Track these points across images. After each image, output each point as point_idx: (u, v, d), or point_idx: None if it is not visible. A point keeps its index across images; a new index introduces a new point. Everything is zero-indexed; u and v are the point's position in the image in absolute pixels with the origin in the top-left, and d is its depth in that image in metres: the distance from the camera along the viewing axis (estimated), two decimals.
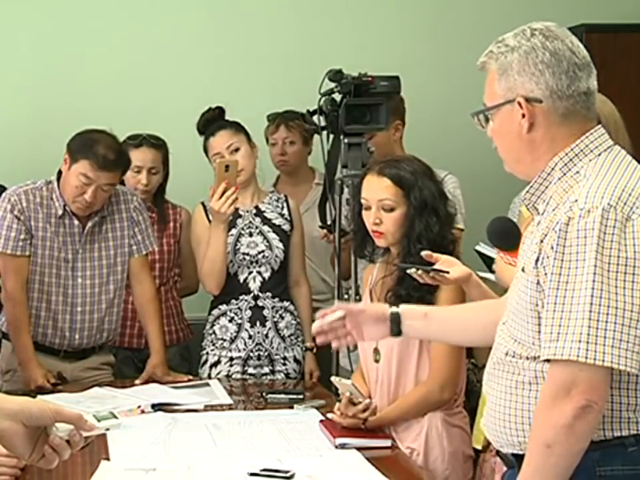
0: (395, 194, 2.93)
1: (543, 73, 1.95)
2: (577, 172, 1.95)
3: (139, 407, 3.16)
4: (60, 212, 3.54)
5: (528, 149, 2.00)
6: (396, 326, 2.38)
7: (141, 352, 3.97)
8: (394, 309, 2.39)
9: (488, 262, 3.02)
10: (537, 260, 1.92)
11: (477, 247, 3.08)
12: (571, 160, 1.97)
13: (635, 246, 1.83)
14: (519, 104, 1.97)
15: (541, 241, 1.91)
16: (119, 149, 3.51)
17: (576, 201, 1.88)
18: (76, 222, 3.56)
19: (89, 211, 3.54)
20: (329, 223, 3.66)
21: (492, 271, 2.93)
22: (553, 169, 1.98)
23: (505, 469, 2.13)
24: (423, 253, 2.64)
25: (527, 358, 1.96)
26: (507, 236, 2.62)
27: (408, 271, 2.62)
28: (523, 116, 1.97)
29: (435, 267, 2.60)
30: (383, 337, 2.46)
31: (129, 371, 3.96)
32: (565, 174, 1.97)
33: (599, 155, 1.97)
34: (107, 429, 1.80)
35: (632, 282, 1.82)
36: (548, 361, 1.87)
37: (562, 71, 1.95)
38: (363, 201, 2.98)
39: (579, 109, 1.97)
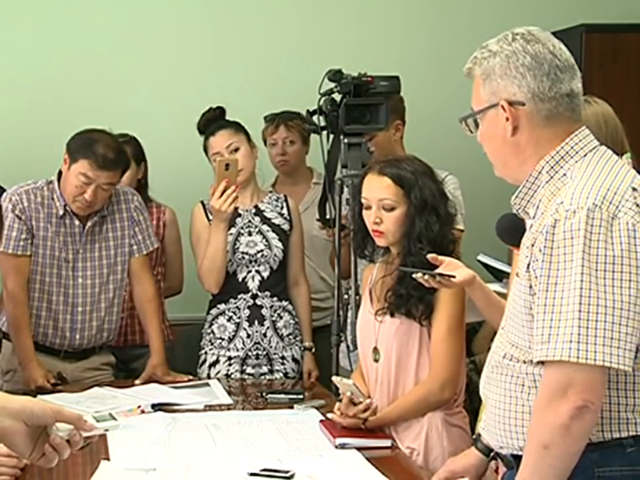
0: (395, 193, 2.93)
1: (524, 75, 1.97)
2: (564, 174, 1.97)
3: (139, 406, 3.16)
4: (61, 212, 3.54)
5: (513, 152, 2.02)
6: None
7: (120, 350, 3.97)
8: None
9: (492, 271, 3.03)
10: (529, 264, 1.93)
11: (479, 258, 3.08)
12: (557, 162, 1.98)
13: (622, 244, 1.83)
14: (502, 107, 1.99)
15: (532, 245, 1.93)
16: (118, 148, 3.51)
17: (562, 202, 1.89)
18: (77, 222, 3.56)
19: (90, 211, 3.54)
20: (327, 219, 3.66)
21: (497, 279, 2.93)
22: (540, 172, 1.99)
23: (505, 469, 2.13)
24: (429, 256, 2.64)
25: (524, 362, 1.96)
26: (514, 231, 2.61)
27: (414, 275, 2.62)
28: (507, 119, 1.99)
29: (440, 270, 2.60)
30: None
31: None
32: (552, 177, 1.98)
33: (585, 155, 1.98)
34: (106, 430, 1.81)
35: (620, 280, 1.82)
36: (542, 362, 1.88)
37: (543, 74, 1.96)
38: (363, 201, 2.98)
39: (562, 110, 1.98)
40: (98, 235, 3.61)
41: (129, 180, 4.04)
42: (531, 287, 1.92)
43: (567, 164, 1.98)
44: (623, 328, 1.81)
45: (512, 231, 2.58)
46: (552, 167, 1.98)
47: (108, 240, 3.63)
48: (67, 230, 3.57)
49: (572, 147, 1.98)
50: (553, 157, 1.98)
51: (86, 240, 3.59)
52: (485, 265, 3.06)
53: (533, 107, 1.97)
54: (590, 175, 1.93)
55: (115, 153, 3.46)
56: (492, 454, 2.36)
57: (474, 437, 2.50)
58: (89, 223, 3.58)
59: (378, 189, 2.95)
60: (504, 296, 2.67)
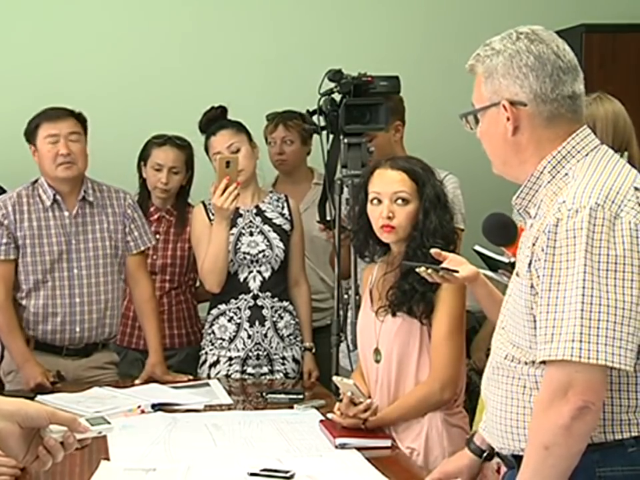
0: (410, 187, 2.94)
1: (527, 76, 1.96)
2: (566, 174, 1.96)
3: (139, 406, 3.16)
4: (48, 203, 3.58)
5: (514, 151, 2.01)
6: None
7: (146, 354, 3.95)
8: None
9: (488, 261, 3.02)
10: (530, 263, 1.92)
11: (476, 247, 3.08)
12: (559, 162, 1.98)
13: (624, 243, 1.83)
14: (504, 107, 1.98)
15: (533, 244, 1.92)
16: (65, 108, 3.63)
17: (564, 202, 1.89)
18: (66, 213, 3.60)
19: (75, 169, 3.57)
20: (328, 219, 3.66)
21: (493, 270, 2.93)
22: (541, 172, 1.99)
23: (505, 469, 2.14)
24: (432, 251, 2.64)
25: (526, 363, 1.96)
26: (502, 230, 2.61)
27: (417, 269, 2.61)
28: (508, 119, 1.99)
29: (444, 265, 2.60)
30: None
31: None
32: (554, 177, 1.98)
33: (586, 155, 1.98)
34: (100, 433, 1.81)
35: (622, 279, 1.82)
36: (544, 362, 1.88)
37: (546, 75, 1.96)
38: (373, 195, 2.97)
39: (564, 112, 1.98)
40: (89, 226, 3.63)
41: (178, 184, 4.05)
42: (532, 286, 1.92)
43: (569, 163, 1.97)
44: (625, 328, 1.81)
45: (500, 230, 2.58)
46: (554, 167, 1.98)
47: (102, 231, 3.65)
48: (57, 222, 3.60)
49: (573, 147, 1.98)
50: (554, 157, 1.98)
51: (76, 230, 3.61)
52: (481, 255, 3.07)
53: (534, 107, 1.97)
54: (592, 174, 1.93)
55: (61, 108, 3.60)
56: (485, 455, 2.37)
57: (467, 437, 2.50)
58: (75, 209, 3.60)
59: (392, 182, 2.95)
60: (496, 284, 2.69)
